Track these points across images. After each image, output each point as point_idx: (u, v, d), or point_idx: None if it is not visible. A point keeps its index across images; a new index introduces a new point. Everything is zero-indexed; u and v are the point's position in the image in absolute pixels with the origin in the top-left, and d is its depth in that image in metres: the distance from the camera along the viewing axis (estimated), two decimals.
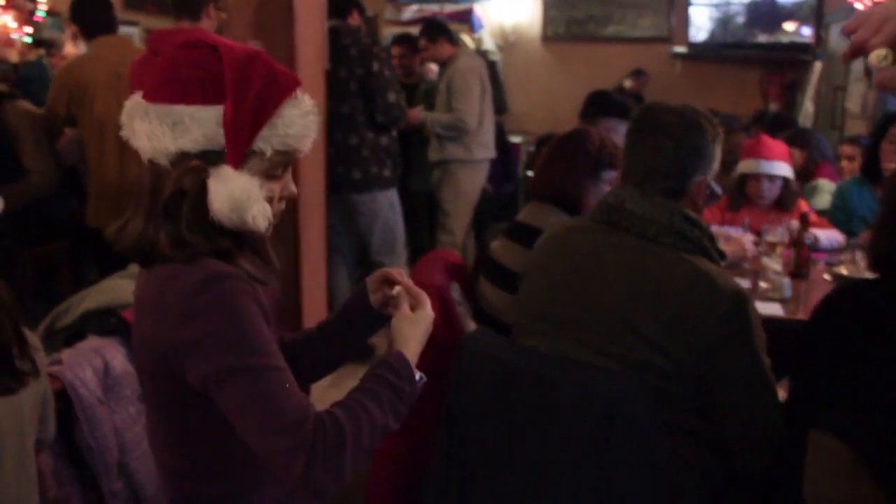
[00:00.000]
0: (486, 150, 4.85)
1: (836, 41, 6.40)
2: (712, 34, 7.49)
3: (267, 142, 1.23)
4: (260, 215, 1.23)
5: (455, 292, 2.48)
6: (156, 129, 1.20)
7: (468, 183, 4.79)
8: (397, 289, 1.44)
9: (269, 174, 1.27)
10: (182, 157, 1.21)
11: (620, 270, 1.77)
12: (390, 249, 4.12)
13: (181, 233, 1.22)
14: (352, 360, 1.67)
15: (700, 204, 1.88)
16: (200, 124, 1.19)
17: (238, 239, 1.28)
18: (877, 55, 0.70)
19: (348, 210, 4.05)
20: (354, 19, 4.14)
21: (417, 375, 1.32)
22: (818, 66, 6.73)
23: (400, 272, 1.47)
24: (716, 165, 1.86)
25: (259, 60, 1.22)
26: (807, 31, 6.82)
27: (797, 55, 7.03)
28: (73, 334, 2.11)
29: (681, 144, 1.80)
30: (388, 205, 4.08)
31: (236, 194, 1.19)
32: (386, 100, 3.90)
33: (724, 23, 7.42)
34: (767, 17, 7.14)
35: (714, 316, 1.66)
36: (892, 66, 0.71)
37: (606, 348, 1.74)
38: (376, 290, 1.49)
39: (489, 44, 7.88)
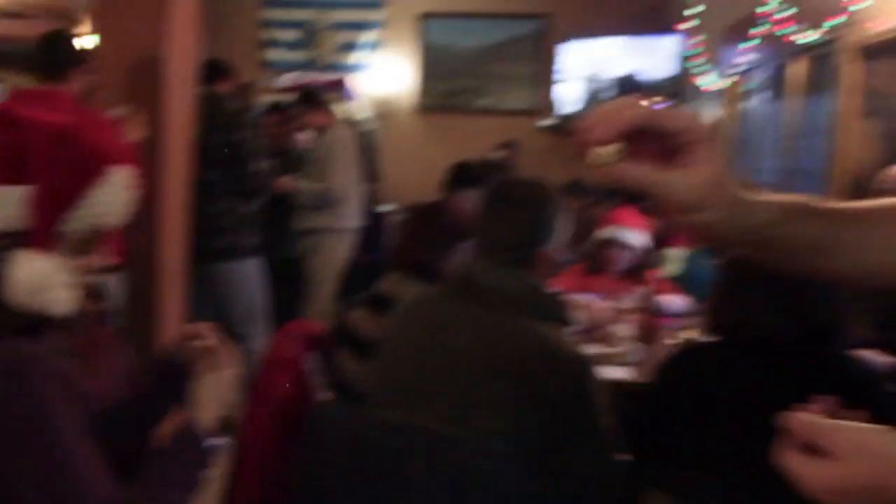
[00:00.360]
0: (353, 219, 4.88)
1: None
2: (582, 108, 7.81)
3: (75, 222, 1.22)
4: (60, 300, 1.21)
5: (312, 363, 2.46)
6: None
7: (335, 252, 4.80)
8: (199, 343, 1.43)
9: (79, 250, 1.25)
10: None
11: (470, 339, 1.81)
12: (253, 319, 4.05)
13: None
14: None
15: (548, 273, 1.96)
16: (6, 204, 1.17)
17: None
18: (604, 152, 0.74)
19: (210, 279, 3.97)
20: (224, 86, 4.13)
21: (210, 442, 1.32)
22: None
23: (208, 326, 1.46)
24: (562, 236, 1.94)
25: (69, 140, 1.21)
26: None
27: None
28: None
29: (531, 217, 1.88)
30: (252, 274, 4.02)
31: (33, 279, 1.17)
32: (252, 168, 3.88)
33: (593, 97, 7.76)
34: (633, 94, 7.51)
35: (558, 381, 1.72)
36: (618, 162, 0.75)
37: (458, 417, 1.76)
38: (185, 345, 1.48)
39: (364, 113, 7.99)
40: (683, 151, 0.78)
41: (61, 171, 1.19)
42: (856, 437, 0.71)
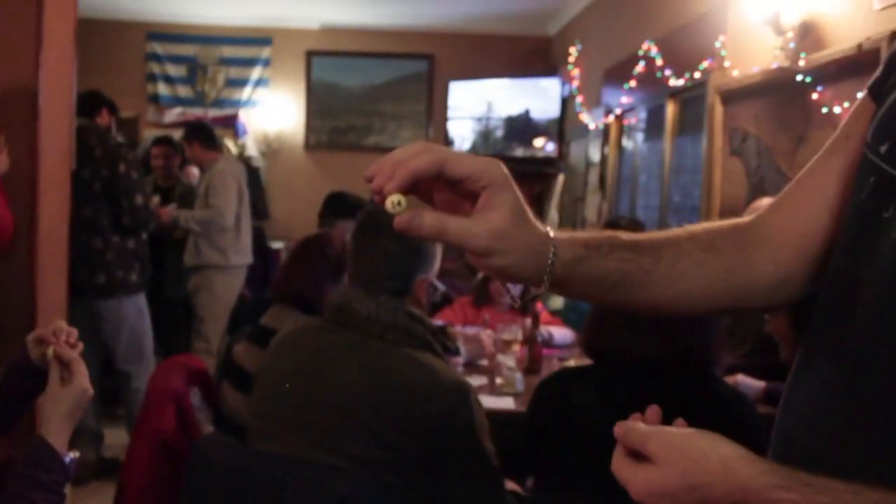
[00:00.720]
0: (242, 255, 4.83)
1: (576, 156, 7.01)
2: (474, 146, 7.97)
3: None
4: None
5: (195, 398, 2.42)
6: None
7: (224, 288, 4.74)
8: (50, 350, 1.39)
9: None
10: None
11: (347, 368, 1.82)
12: (138, 357, 3.94)
13: None
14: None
15: (424, 301, 1.99)
16: None
17: None
18: (391, 201, 0.75)
19: (92, 316, 3.85)
20: (104, 119, 4.04)
21: (67, 457, 1.30)
22: (561, 178, 7.33)
23: (57, 329, 1.42)
24: (436, 265, 1.97)
25: None
26: (551, 147, 7.44)
27: (545, 168, 7.63)
28: None
29: (403, 247, 1.89)
30: (135, 310, 3.92)
31: None
32: (133, 202, 3.80)
33: (485, 136, 7.93)
34: (522, 132, 7.72)
35: (438, 407, 1.74)
36: (405, 211, 0.76)
37: (335, 446, 1.76)
38: (34, 348, 1.44)
39: (253, 150, 7.93)
40: (473, 197, 0.80)
41: None
42: (670, 440, 0.75)
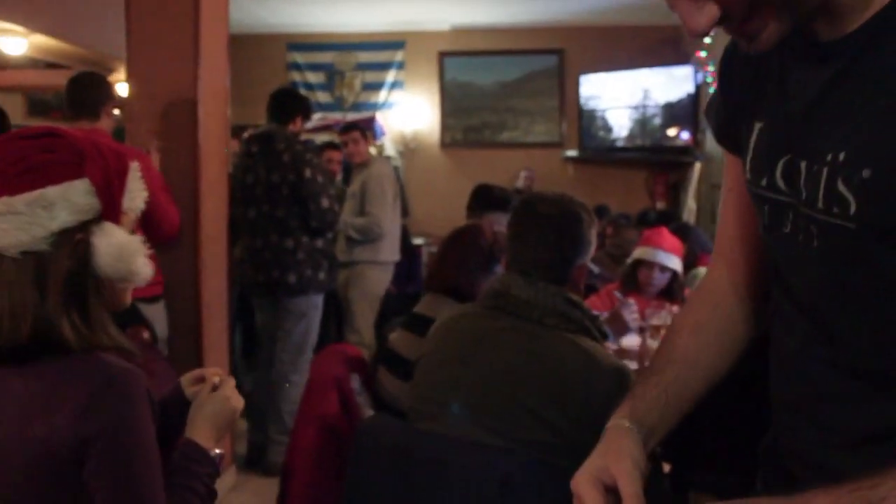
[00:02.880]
0: (392, 252, 4.98)
1: (713, 144, 6.85)
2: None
3: (129, 201, 1.32)
4: (144, 265, 1.30)
5: (355, 383, 2.53)
6: (29, 217, 1.22)
7: (375, 283, 4.90)
8: (216, 379, 1.48)
9: (130, 229, 1.35)
10: (62, 235, 1.24)
11: (508, 352, 1.86)
12: (301, 351, 4.10)
13: (83, 324, 1.24)
14: None
15: (581, 287, 2.01)
16: (75, 197, 1.24)
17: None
18: None
19: (280, 312, 4.06)
20: (297, 125, 4.19)
21: (213, 452, 1.38)
22: (698, 166, 7.17)
23: (216, 370, 1.52)
24: (592, 249, 1.99)
25: (99, 137, 1.34)
26: (686, 136, 7.29)
27: (680, 157, 7.49)
28: None
29: (561, 235, 1.92)
30: (315, 307, 4.10)
31: (123, 244, 1.26)
32: (319, 205, 3.93)
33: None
34: (658, 121, 7.60)
35: (598, 391, 1.75)
36: None
37: (497, 428, 1.80)
38: (190, 386, 1.52)
39: (391, 150, 8.14)
40: None
41: (112, 159, 1.30)
42: None
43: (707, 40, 6.53)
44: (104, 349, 1.26)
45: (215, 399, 1.42)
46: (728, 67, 1.11)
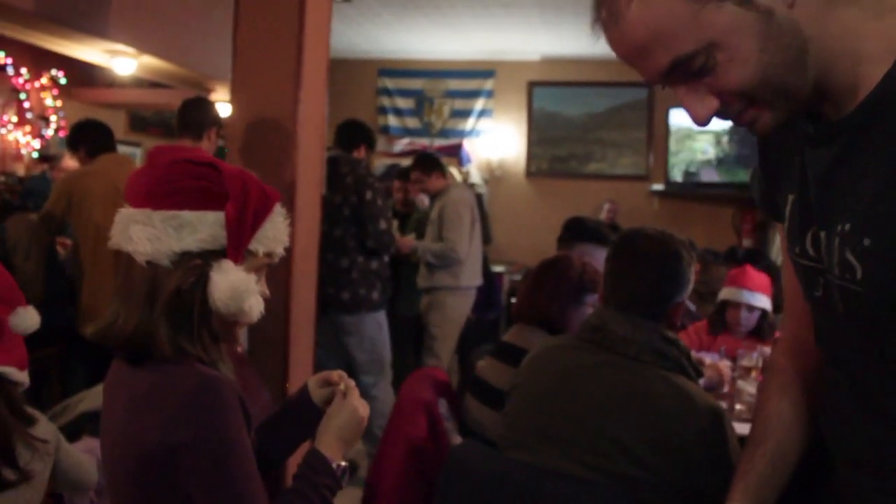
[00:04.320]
0: (473, 277, 5.02)
1: None
2: (688, 174, 7.82)
3: (259, 243, 1.36)
4: (255, 306, 1.35)
5: (442, 408, 2.55)
6: (160, 233, 1.29)
7: (455, 309, 4.93)
8: (342, 385, 1.53)
9: (257, 272, 1.38)
10: (183, 256, 1.30)
11: (603, 386, 1.86)
12: (378, 369, 4.18)
13: (179, 336, 1.31)
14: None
15: (678, 324, 2.00)
16: (205, 226, 1.31)
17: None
18: None
19: (336, 330, 4.14)
20: (360, 153, 4.36)
21: (335, 464, 1.41)
22: None
23: (340, 373, 1.56)
24: (690, 287, 1.98)
25: (249, 176, 1.37)
26: None
27: None
28: (69, 434, 2.16)
29: (662, 272, 1.92)
30: (375, 326, 4.16)
31: (237, 284, 1.31)
32: (377, 227, 4.06)
33: (700, 163, 7.76)
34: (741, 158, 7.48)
35: (693, 431, 1.75)
36: None
37: (590, 461, 1.81)
38: (318, 388, 1.58)
39: (476, 177, 8.20)
40: None
41: (254, 198, 1.34)
42: None
43: None
44: (204, 364, 1.32)
45: (344, 410, 1.47)
46: (764, 141, 1.22)
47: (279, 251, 1.40)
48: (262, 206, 1.35)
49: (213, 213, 1.31)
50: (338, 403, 1.49)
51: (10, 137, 7.78)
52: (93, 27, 5.13)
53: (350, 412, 1.47)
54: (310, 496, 1.37)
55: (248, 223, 1.33)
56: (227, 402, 1.27)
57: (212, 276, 1.31)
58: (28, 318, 1.74)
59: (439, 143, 8.30)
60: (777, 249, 6.99)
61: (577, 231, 3.21)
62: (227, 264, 1.32)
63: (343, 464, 1.43)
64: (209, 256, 1.32)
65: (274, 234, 1.38)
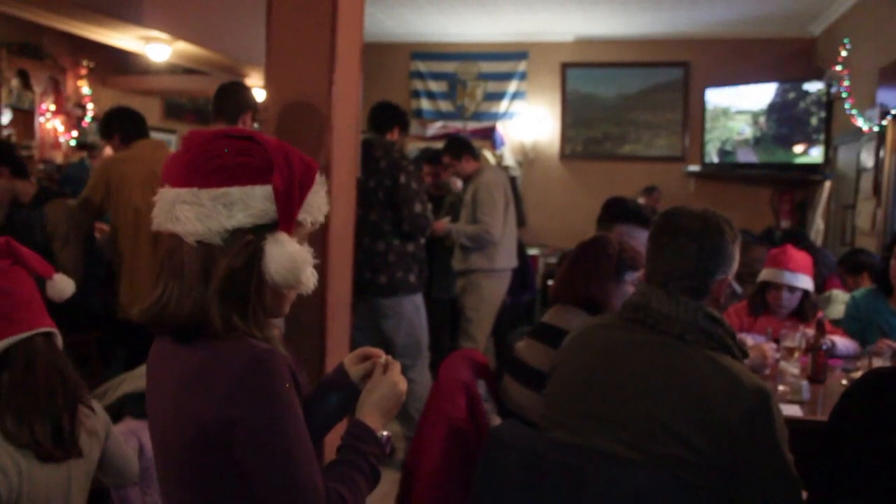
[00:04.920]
0: (508, 259, 5.00)
1: (844, 161, 6.59)
2: (724, 155, 7.72)
3: (307, 213, 1.36)
4: (311, 278, 1.35)
5: (481, 389, 2.55)
6: (210, 211, 1.29)
7: (491, 291, 4.93)
8: (382, 359, 1.54)
9: (303, 241, 1.38)
10: (235, 233, 1.30)
11: (646, 366, 1.85)
12: (415, 352, 4.18)
13: (232, 313, 1.30)
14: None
15: (722, 302, 1.97)
16: (255, 201, 1.30)
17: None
18: None
19: (374, 313, 4.15)
20: (394, 135, 4.34)
21: (380, 434, 1.42)
22: (828, 185, 6.91)
23: (379, 351, 1.57)
24: (735, 265, 1.95)
25: (289, 147, 1.36)
26: (816, 152, 7.03)
27: (809, 175, 7.23)
28: (112, 416, 2.19)
29: (702, 246, 1.89)
30: (412, 308, 4.16)
31: (295, 255, 1.31)
32: (412, 210, 4.05)
33: (736, 142, 7.65)
34: (785, 138, 7.35)
35: (738, 411, 1.72)
36: None
37: (632, 441, 1.79)
38: (354, 365, 1.58)
39: (510, 160, 8.16)
40: None
41: (298, 169, 1.34)
42: None
43: (843, 53, 6.30)
44: (255, 339, 1.32)
45: (384, 383, 1.48)
46: None
47: (321, 219, 1.41)
48: (306, 176, 1.35)
49: (260, 188, 1.30)
50: (378, 376, 1.49)
51: (49, 126, 7.88)
52: (127, 13, 5.17)
53: (390, 385, 1.47)
54: (359, 464, 1.38)
55: (296, 194, 1.33)
56: (281, 374, 1.28)
57: (267, 249, 1.31)
58: (62, 283, 1.80)
59: (472, 126, 8.27)
60: (816, 230, 6.89)
61: (616, 211, 3.18)
62: (283, 236, 1.32)
63: (385, 433, 1.44)
64: (260, 231, 1.31)
65: (318, 203, 1.38)
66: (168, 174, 1.35)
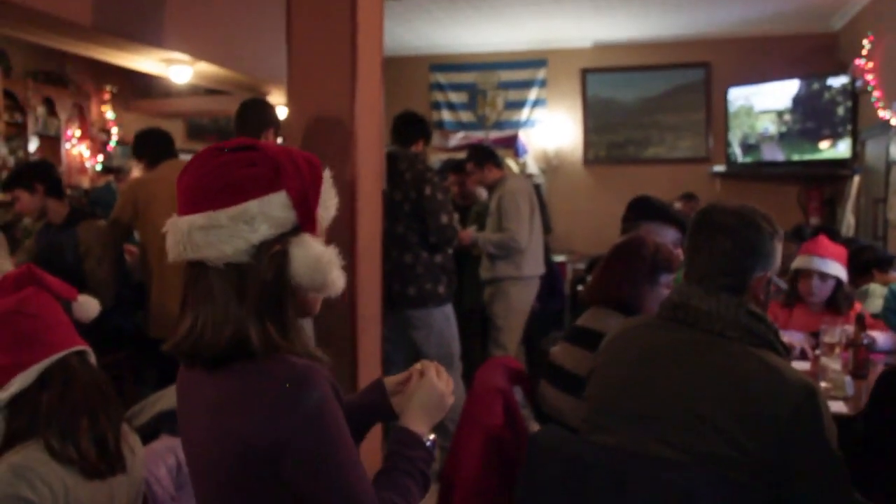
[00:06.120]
0: (535, 266, 4.98)
1: (873, 155, 6.51)
2: (750, 153, 7.65)
3: (322, 210, 1.35)
4: (339, 278, 1.32)
5: (518, 395, 2.52)
6: (231, 230, 1.26)
7: (519, 299, 4.90)
8: (418, 364, 1.54)
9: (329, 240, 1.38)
10: (261, 247, 1.27)
11: (689, 364, 1.81)
12: (447, 363, 4.16)
13: (268, 330, 1.27)
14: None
15: (762, 299, 1.93)
16: (274, 211, 1.28)
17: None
18: None
19: (404, 325, 4.13)
20: (418, 147, 4.35)
21: (425, 438, 1.41)
22: (857, 179, 6.83)
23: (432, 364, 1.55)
24: (776, 262, 1.91)
25: (290, 149, 1.34)
26: (843, 147, 6.95)
27: (836, 170, 7.15)
28: (148, 434, 2.19)
29: (738, 243, 1.86)
30: (442, 319, 4.15)
31: (320, 255, 1.29)
32: (438, 222, 4.03)
33: (760, 137, 7.57)
34: (812, 133, 7.26)
35: (785, 409, 1.68)
36: None
37: (678, 441, 1.76)
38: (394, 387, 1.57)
39: (533, 168, 8.14)
40: None
41: (306, 171, 1.32)
42: None
43: (866, 45, 6.23)
44: (295, 355, 1.29)
45: (423, 386, 1.47)
46: None
47: (333, 213, 1.39)
48: (314, 174, 1.34)
49: (275, 196, 1.28)
50: (416, 382, 1.48)
51: (75, 152, 7.98)
52: (149, 37, 5.21)
53: (429, 388, 1.46)
54: (409, 470, 1.37)
55: (311, 195, 1.31)
56: (323, 392, 1.25)
57: (293, 252, 1.28)
58: (87, 304, 1.80)
59: (494, 135, 8.26)
60: (847, 226, 6.80)
61: (642, 210, 3.15)
62: (306, 237, 1.30)
63: (432, 437, 1.42)
64: (284, 238, 1.29)
65: (329, 199, 1.37)
66: (180, 198, 1.33)
